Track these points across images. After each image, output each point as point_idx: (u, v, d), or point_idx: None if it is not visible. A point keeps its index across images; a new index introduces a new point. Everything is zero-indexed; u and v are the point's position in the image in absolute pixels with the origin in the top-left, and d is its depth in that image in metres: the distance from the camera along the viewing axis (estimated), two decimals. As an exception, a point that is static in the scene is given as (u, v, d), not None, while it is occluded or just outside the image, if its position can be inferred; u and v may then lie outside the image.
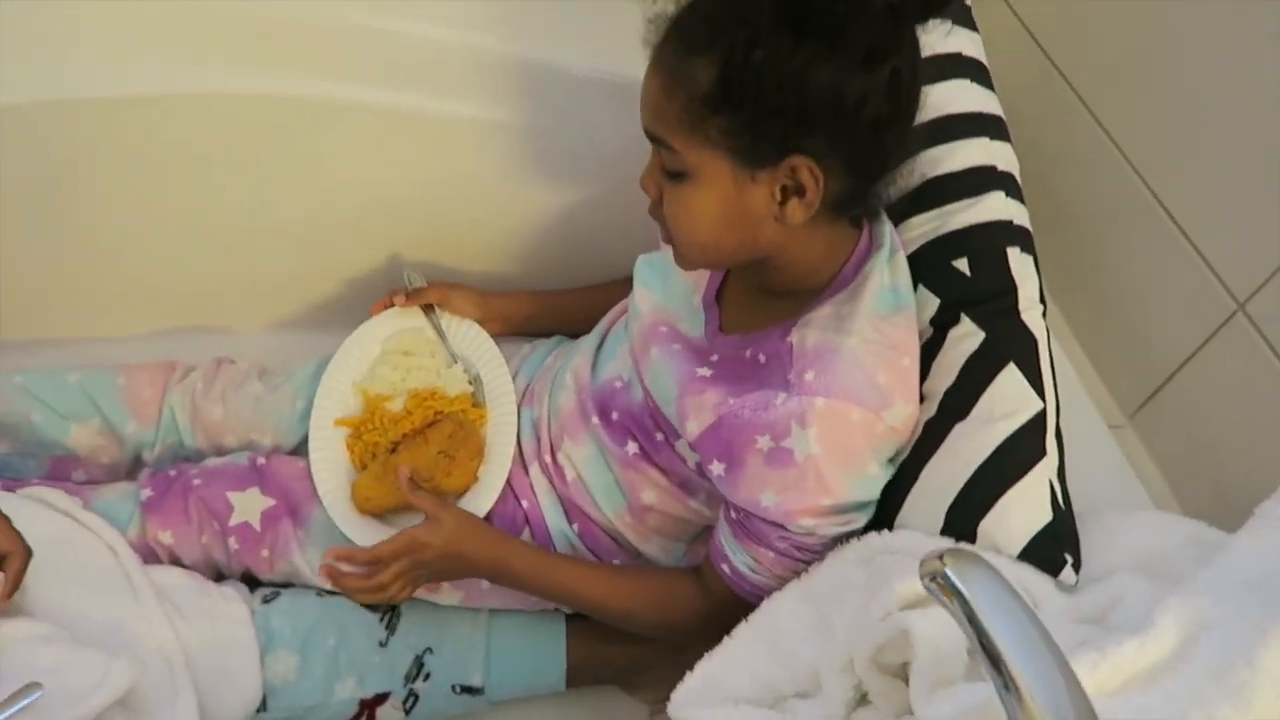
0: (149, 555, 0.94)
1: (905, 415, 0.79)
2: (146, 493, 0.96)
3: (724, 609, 0.84)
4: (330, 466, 0.99)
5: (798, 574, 0.81)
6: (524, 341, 1.13)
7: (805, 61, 0.67)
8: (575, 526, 0.98)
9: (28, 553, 0.79)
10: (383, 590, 0.86)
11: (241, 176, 1.11)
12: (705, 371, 0.85)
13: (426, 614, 0.98)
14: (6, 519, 0.79)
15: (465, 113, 1.11)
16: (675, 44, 0.71)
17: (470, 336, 1.09)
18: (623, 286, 1.04)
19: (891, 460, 0.81)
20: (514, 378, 1.06)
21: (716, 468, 0.82)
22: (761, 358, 0.82)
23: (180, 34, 1.02)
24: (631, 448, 0.93)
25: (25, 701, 0.71)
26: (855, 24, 0.67)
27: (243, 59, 1.04)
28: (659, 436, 0.91)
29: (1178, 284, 0.94)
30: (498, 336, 1.10)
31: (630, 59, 1.05)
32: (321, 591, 0.97)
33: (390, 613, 0.97)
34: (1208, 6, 0.92)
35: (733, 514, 0.83)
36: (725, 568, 0.84)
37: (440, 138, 1.12)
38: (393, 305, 1.08)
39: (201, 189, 1.11)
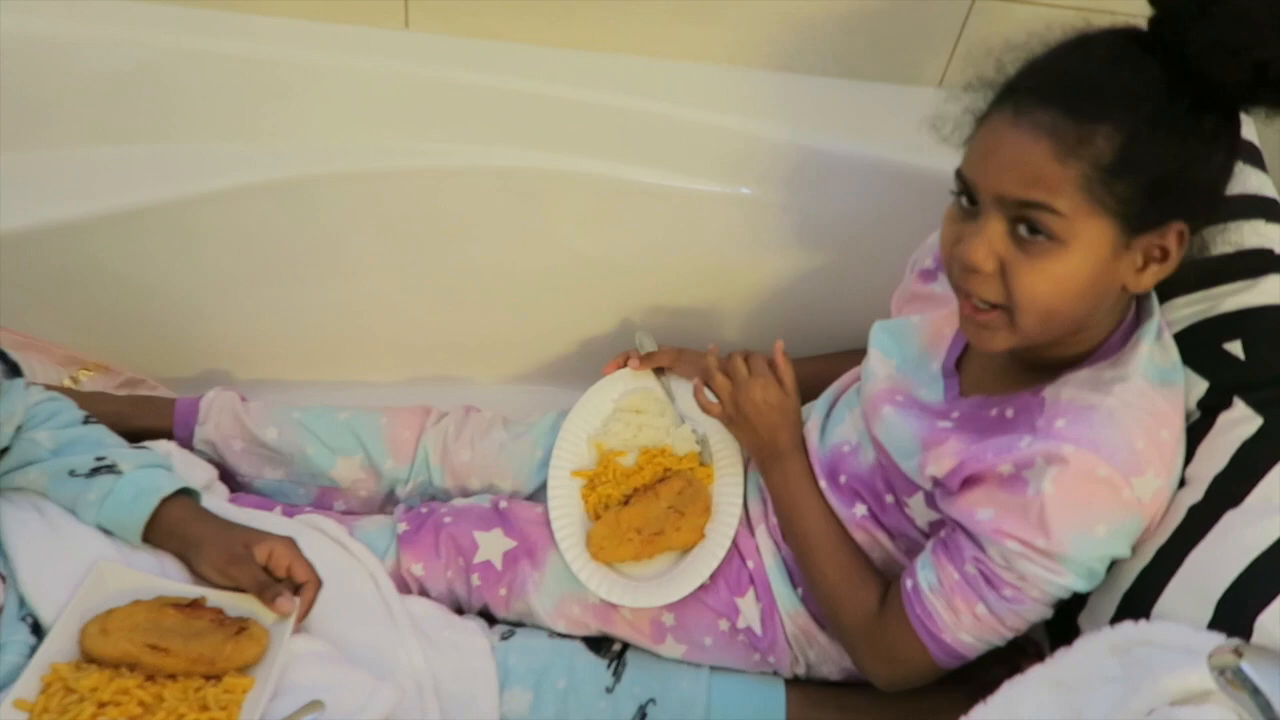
0: (402, 585, 1.01)
1: (1155, 489, 0.76)
2: (403, 526, 1.04)
3: (885, 628, 0.85)
4: (567, 514, 1.04)
5: (971, 613, 0.79)
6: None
7: (1198, 140, 0.69)
8: (799, 591, 0.99)
9: (319, 583, 0.86)
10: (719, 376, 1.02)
11: (490, 241, 1.21)
12: (946, 425, 0.85)
13: (650, 665, 1.00)
14: (299, 550, 0.86)
15: (705, 187, 1.17)
16: (1058, 110, 0.69)
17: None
18: (850, 358, 1.06)
19: (1123, 534, 0.77)
20: (739, 440, 1.09)
21: (952, 484, 0.81)
22: (1009, 413, 0.80)
23: (452, 114, 1.14)
24: (860, 510, 0.94)
25: (310, 718, 0.77)
26: (1234, 108, 0.70)
27: (506, 135, 1.14)
28: (889, 498, 0.91)
29: None
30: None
31: (879, 140, 1.12)
32: (553, 633, 1.01)
33: (617, 660, 1.00)
34: None
35: (942, 533, 0.83)
36: (908, 583, 0.83)
37: (677, 208, 1.18)
38: (626, 366, 1.14)
39: (455, 253, 1.22)
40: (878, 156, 1.13)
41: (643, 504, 1.03)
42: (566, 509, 1.04)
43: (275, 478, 1.11)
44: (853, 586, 0.91)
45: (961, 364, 0.90)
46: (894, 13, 1.13)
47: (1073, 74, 0.71)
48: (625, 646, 1.02)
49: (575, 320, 1.30)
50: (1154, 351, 0.79)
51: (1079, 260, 0.71)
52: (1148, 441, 0.75)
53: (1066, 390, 0.77)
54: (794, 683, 1.01)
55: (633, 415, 1.12)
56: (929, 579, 0.82)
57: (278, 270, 1.19)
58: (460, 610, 1.04)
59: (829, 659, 0.99)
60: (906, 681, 0.86)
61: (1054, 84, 0.71)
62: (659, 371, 1.15)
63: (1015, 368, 0.84)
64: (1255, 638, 0.73)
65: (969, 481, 0.79)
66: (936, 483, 0.83)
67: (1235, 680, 0.59)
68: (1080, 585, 0.77)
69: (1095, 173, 0.69)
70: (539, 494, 1.08)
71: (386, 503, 1.14)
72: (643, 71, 1.15)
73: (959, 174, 0.76)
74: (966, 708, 0.79)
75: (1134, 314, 0.81)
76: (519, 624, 1.03)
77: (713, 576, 1.00)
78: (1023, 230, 0.71)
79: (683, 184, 1.17)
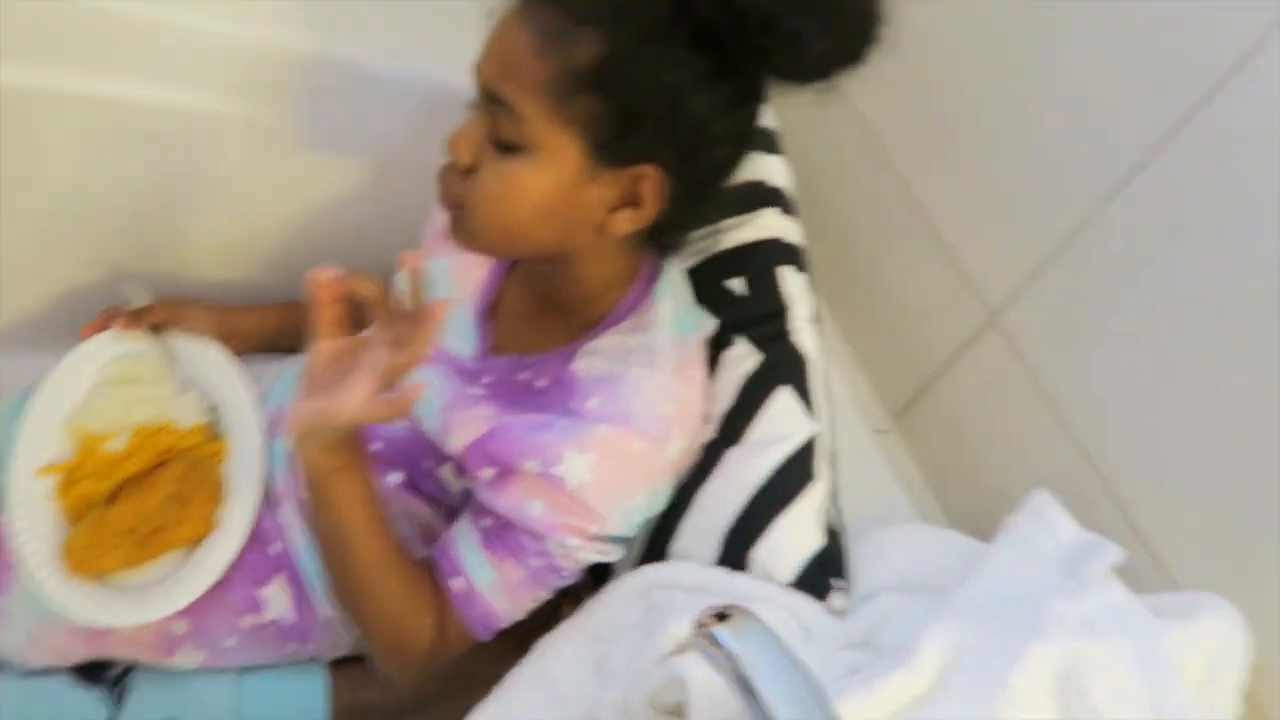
0: None
1: (682, 448, 0.77)
2: None
3: (446, 643, 0.79)
4: (33, 523, 0.85)
5: (536, 600, 0.78)
6: (274, 360, 1.02)
7: (691, 77, 0.66)
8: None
9: None
10: None
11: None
12: (477, 391, 0.80)
13: (163, 683, 0.87)
14: None
15: (195, 103, 0.98)
16: (558, 8, 0.66)
17: (207, 359, 0.96)
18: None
19: (660, 495, 0.78)
20: (263, 403, 0.96)
21: (486, 473, 0.77)
22: (541, 382, 0.78)
23: None
24: (394, 478, 0.86)
25: None
26: (746, 60, 0.67)
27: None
28: (425, 464, 0.84)
29: (937, 290, 0.96)
30: (242, 356, 0.99)
31: (411, 53, 0.99)
32: (29, 673, 0.84)
33: (117, 685, 0.85)
34: (965, 13, 0.93)
35: (487, 522, 0.77)
36: (458, 583, 0.77)
37: (165, 131, 0.99)
38: (111, 327, 0.94)
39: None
40: (419, 71, 1.01)
41: (135, 498, 0.87)
42: (32, 516, 0.85)
43: None
44: (408, 617, 0.79)
45: (494, 309, 0.85)
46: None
47: None
48: (128, 669, 0.87)
49: (48, 266, 1.06)
50: (674, 303, 0.78)
51: (541, 175, 0.68)
52: (675, 405, 0.76)
53: (596, 362, 0.75)
54: (339, 664, 0.93)
55: (121, 388, 0.93)
56: (487, 578, 0.77)
57: None
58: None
59: None
60: (440, 667, 0.82)
61: None
62: (156, 329, 0.97)
63: (543, 317, 0.81)
64: (752, 569, 0.76)
65: (504, 472, 0.75)
66: (465, 457, 0.78)
67: (716, 643, 0.61)
68: (623, 551, 0.78)
69: (568, 76, 0.65)
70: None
71: None
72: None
73: (475, 67, 0.71)
74: (515, 658, 0.76)
75: (653, 262, 0.79)
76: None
77: (226, 572, 0.87)
78: (495, 133, 0.68)
79: (184, 101, 0.97)
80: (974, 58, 0.93)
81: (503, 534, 0.77)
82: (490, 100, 0.68)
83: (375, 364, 0.68)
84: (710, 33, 0.65)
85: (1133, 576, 0.73)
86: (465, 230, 0.73)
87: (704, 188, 0.73)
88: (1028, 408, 0.87)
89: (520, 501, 0.75)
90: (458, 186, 0.72)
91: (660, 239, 0.77)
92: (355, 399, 0.68)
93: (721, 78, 0.67)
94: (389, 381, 0.68)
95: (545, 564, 0.76)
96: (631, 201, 0.70)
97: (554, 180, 0.68)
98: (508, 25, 0.68)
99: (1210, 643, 0.68)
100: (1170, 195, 0.77)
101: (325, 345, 0.71)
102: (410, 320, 0.67)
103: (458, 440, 0.78)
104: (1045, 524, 0.76)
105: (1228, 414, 0.73)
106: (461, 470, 0.81)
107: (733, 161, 0.73)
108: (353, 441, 0.74)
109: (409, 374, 0.68)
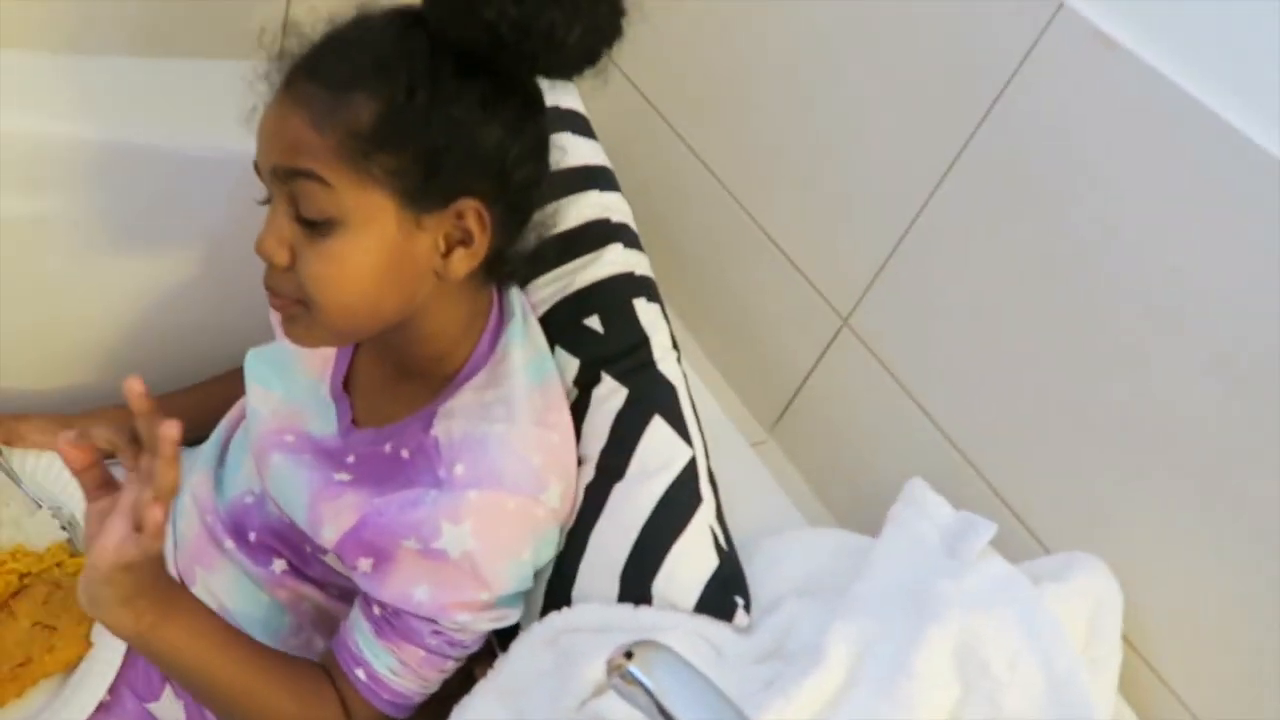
0: None
1: (561, 493, 0.77)
2: None
3: None
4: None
5: (444, 673, 0.76)
6: (124, 462, 0.97)
7: (470, 106, 0.67)
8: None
9: None
10: None
11: None
12: (343, 476, 0.77)
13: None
14: None
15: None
16: (318, 81, 0.66)
17: (55, 471, 0.92)
18: (237, 380, 0.92)
19: (546, 545, 0.77)
20: (120, 510, 0.90)
21: (363, 564, 0.74)
22: (404, 453, 0.76)
23: None
24: (279, 565, 0.83)
25: None
26: (515, 71, 0.69)
27: None
28: (307, 549, 0.81)
29: (790, 303, 1.00)
30: (93, 464, 0.93)
31: (212, 129, 0.96)
32: None
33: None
34: (772, 45, 0.98)
35: (376, 611, 0.75)
36: (360, 673, 0.75)
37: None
38: (-62, 456, 0.88)
39: None
40: (217, 145, 0.98)
41: (-5, 632, 0.81)
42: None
43: None
44: (310, 698, 0.76)
45: (350, 384, 0.83)
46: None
47: (336, 46, 0.68)
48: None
49: None
50: (526, 350, 0.78)
51: (365, 241, 0.67)
52: (544, 454, 0.75)
53: (456, 425, 0.74)
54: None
55: (-38, 518, 0.87)
56: (387, 664, 0.74)
57: None
58: None
59: None
60: None
61: (318, 58, 0.68)
62: (-9, 451, 0.91)
63: (398, 384, 0.79)
64: (655, 602, 0.77)
65: (381, 557, 0.73)
66: (340, 549, 0.76)
67: (630, 679, 0.61)
68: (520, 609, 0.77)
69: (355, 141, 0.65)
70: None
71: None
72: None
73: (255, 165, 0.70)
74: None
75: (498, 313, 0.79)
76: None
77: (112, 689, 0.82)
78: (304, 213, 0.67)
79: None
80: (784, 86, 0.98)
81: (394, 621, 0.74)
82: (288, 178, 0.67)
83: (124, 506, 0.63)
84: (471, 59, 0.66)
85: (1008, 546, 0.77)
86: (308, 325, 0.71)
87: (523, 205, 0.74)
88: (890, 400, 0.91)
89: (404, 588, 0.73)
90: (285, 285, 0.69)
91: (498, 271, 0.77)
92: (109, 544, 0.62)
93: (499, 98, 0.68)
94: (140, 521, 0.62)
95: (442, 640, 0.74)
96: (461, 240, 0.70)
97: (379, 242, 0.67)
98: (276, 111, 0.68)
99: (1086, 599, 0.73)
100: (980, 186, 0.83)
101: (90, 509, 0.66)
102: (150, 452, 0.63)
103: (330, 533, 0.75)
104: (922, 509, 0.80)
105: (1062, 379, 0.79)
106: (341, 560, 0.78)
107: (540, 172, 0.74)
108: (151, 584, 0.68)
109: (164, 506, 0.62)
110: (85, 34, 0.97)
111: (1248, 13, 0.69)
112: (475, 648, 0.77)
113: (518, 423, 0.74)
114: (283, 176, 0.67)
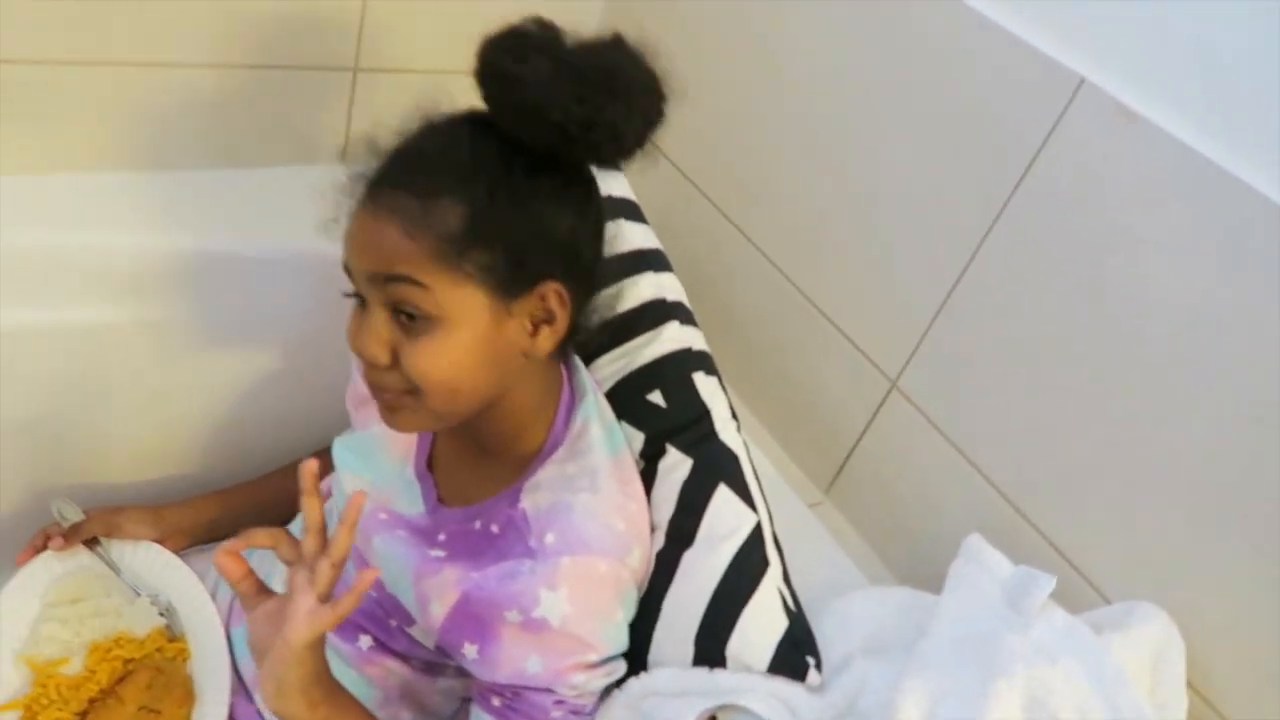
0: None
1: (641, 556, 0.80)
2: None
3: None
4: (2, 767, 0.83)
5: None
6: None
7: (545, 199, 0.72)
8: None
9: None
10: None
11: None
12: (438, 553, 0.81)
13: None
14: None
15: (96, 316, 1.00)
16: (405, 191, 0.71)
17: (151, 561, 0.96)
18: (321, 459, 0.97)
19: (630, 604, 0.80)
20: (213, 596, 0.95)
21: (469, 650, 0.77)
22: (494, 528, 0.79)
23: None
24: (365, 642, 0.87)
25: None
26: (579, 163, 0.74)
27: None
28: (393, 624, 0.85)
29: (840, 368, 1.03)
30: (185, 551, 0.98)
31: (287, 233, 1.03)
32: None
33: None
34: (810, 122, 1.04)
35: (495, 702, 0.79)
36: None
37: (72, 344, 1.00)
38: (46, 548, 0.93)
39: None
40: (293, 248, 1.05)
41: (104, 717, 0.85)
42: (-1, 761, 0.83)
43: None
44: None
45: (434, 463, 0.87)
46: (274, 90, 1.06)
47: (415, 156, 0.73)
48: None
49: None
50: (600, 426, 0.82)
51: (461, 333, 0.72)
52: (625, 520, 0.79)
53: (542, 496, 0.78)
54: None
55: (69, 608, 0.92)
56: None
57: None
58: None
59: None
60: None
61: (399, 168, 0.73)
62: (92, 543, 0.96)
63: (480, 464, 0.83)
64: (729, 665, 0.80)
65: (487, 637, 0.76)
66: (445, 633, 0.79)
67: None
68: (623, 664, 0.80)
69: (446, 245, 0.70)
70: (-43, 751, 0.85)
71: None
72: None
73: (344, 267, 0.75)
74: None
75: (569, 391, 0.83)
76: None
77: (212, 771, 0.86)
78: (403, 317, 0.72)
79: (71, 318, 0.98)
80: (823, 161, 1.03)
81: (515, 704, 0.78)
82: (385, 284, 0.71)
83: (302, 584, 0.69)
84: (542, 156, 0.71)
85: (1067, 597, 0.80)
86: (414, 411, 0.74)
87: (594, 279, 0.79)
88: (942, 457, 0.94)
89: (516, 665, 0.76)
90: (390, 380, 0.73)
91: (570, 345, 0.81)
92: (300, 617, 0.68)
93: (566, 187, 0.74)
94: (322, 590, 0.69)
95: (566, 710, 0.77)
96: (545, 319, 0.75)
97: (476, 331, 0.72)
98: (367, 221, 0.72)
99: (1148, 646, 0.75)
100: (1016, 249, 0.87)
101: (252, 616, 0.72)
102: (314, 535, 0.70)
103: (437, 610, 0.79)
104: (982, 565, 0.82)
105: (1108, 429, 0.82)
106: (444, 653, 0.82)
107: (600, 245, 0.79)
108: (326, 671, 0.74)
109: (337, 575, 0.69)
110: (164, 151, 1.05)
111: (1256, 82, 0.73)
112: (594, 713, 0.79)
113: (601, 491, 0.78)
114: (380, 282, 0.71)
